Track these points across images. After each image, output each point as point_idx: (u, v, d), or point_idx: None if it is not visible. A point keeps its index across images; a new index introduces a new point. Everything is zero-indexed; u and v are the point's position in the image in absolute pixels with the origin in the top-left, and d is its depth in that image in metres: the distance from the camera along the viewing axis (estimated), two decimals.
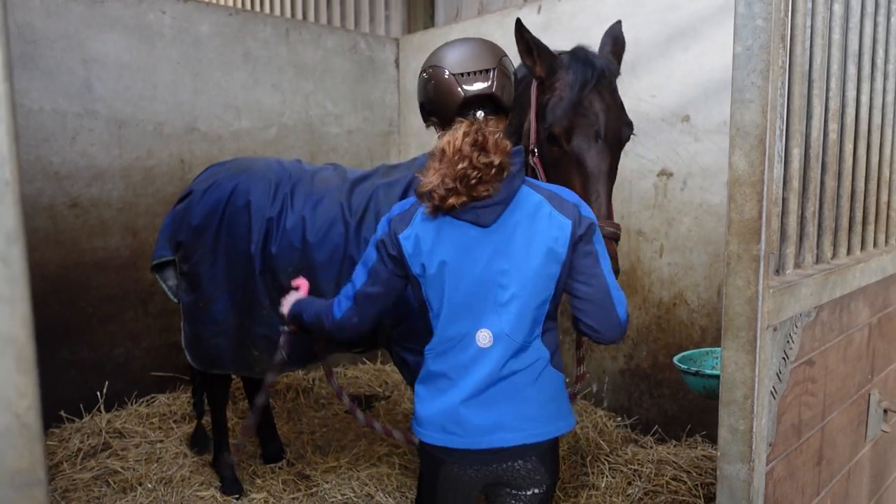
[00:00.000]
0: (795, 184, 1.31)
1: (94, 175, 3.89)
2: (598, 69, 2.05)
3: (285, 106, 4.71)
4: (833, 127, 1.44)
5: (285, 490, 3.31)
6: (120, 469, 3.41)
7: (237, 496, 3.26)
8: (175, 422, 3.94)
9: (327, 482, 3.36)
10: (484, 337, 1.67)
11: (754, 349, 1.15)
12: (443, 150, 1.63)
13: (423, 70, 2.27)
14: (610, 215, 1.97)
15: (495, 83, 2.02)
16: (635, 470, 3.43)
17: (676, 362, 1.98)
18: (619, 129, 2.07)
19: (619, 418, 4.07)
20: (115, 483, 3.31)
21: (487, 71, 2.01)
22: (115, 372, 4.02)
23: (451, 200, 1.58)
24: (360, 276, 1.82)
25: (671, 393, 3.87)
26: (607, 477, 3.38)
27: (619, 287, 1.65)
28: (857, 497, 1.76)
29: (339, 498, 3.23)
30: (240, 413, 4.09)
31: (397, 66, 5.36)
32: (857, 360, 1.65)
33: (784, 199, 1.29)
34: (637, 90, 3.82)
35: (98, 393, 3.92)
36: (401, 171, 2.90)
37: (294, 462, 3.59)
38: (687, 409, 3.80)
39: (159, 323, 4.20)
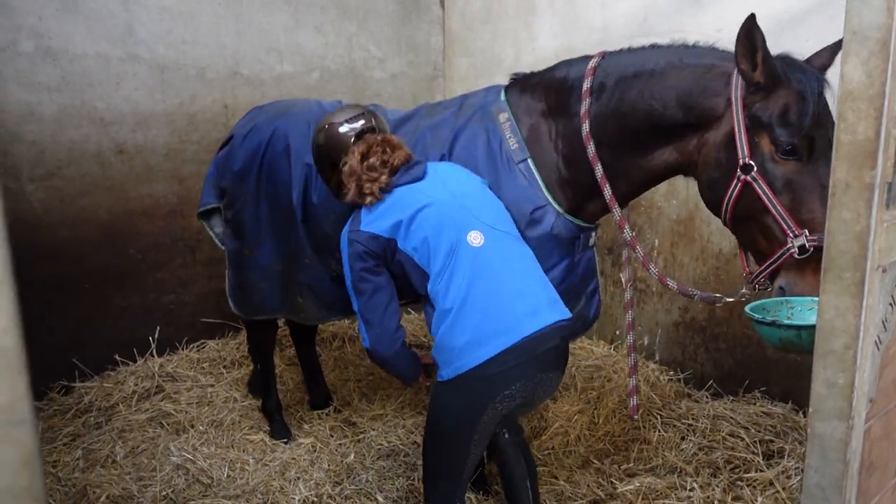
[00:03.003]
0: None
1: (139, 121, 3.86)
2: (822, 78, 2.00)
3: (328, 49, 4.57)
4: None
5: (332, 436, 3.33)
6: (173, 411, 3.48)
7: (285, 440, 3.29)
8: (225, 367, 4.00)
9: (374, 429, 3.36)
10: (475, 237, 2.04)
11: (861, 293, 1.00)
12: (359, 175, 2.15)
13: (317, 138, 2.38)
14: None
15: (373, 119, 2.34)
16: (689, 425, 3.31)
17: (749, 312, 1.83)
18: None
19: (671, 372, 3.93)
20: (168, 425, 3.38)
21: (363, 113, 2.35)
22: (166, 318, 4.09)
23: (384, 180, 2.12)
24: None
25: (728, 347, 3.70)
26: (659, 431, 3.27)
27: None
28: None
29: (386, 445, 3.22)
30: (287, 360, 4.12)
31: (442, 5, 5.12)
32: None
33: None
34: (702, 23, 3.53)
35: (150, 338, 3.99)
36: (445, 110, 2.77)
37: (341, 409, 3.61)
38: (745, 364, 3.63)
39: (208, 270, 4.22)
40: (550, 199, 2.40)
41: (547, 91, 2.51)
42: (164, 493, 2.85)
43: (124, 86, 3.79)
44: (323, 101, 3.09)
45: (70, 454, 3.12)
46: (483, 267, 2.02)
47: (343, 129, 2.26)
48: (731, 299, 2.18)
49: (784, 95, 1.96)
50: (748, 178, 1.98)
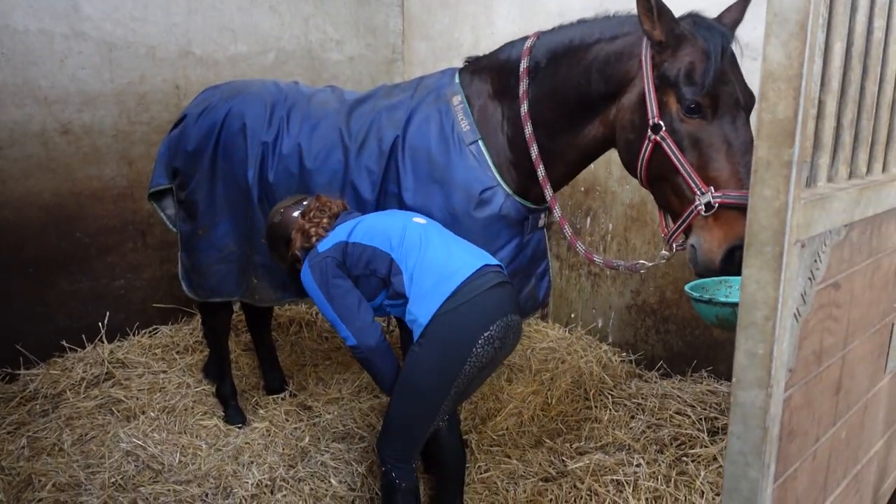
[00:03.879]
0: (835, 84, 1.17)
1: (85, 100, 3.74)
2: (729, 35, 1.99)
3: (284, 29, 4.49)
4: (879, 24, 1.28)
5: (287, 420, 3.31)
6: (123, 398, 3.41)
7: (240, 425, 3.26)
8: (178, 353, 3.93)
9: (329, 413, 3.36)
10: (418, 220, 2.35)
11: (780, 266, 1.04)
12: (302, 224, 2.44)
13: (272, 220, 2.59)
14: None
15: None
16: (639, 404, 3.40)
17: (688, 290, 1.88)
18: (752, 98, 2.01)
19: (623, 353, 4.03)
20: (118, 411, 3.32)
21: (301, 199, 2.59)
22: (116, 303, 3.99)
23: (325, 222, 2.42)
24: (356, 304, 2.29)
25: (677, 329, 3.81)
26: (610, 410, 3.35)
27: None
28: (871, 430, 1.70)
29: (341, 428, 3.23)
30: (242, 345, 4.07)
31: None
32: (883, 287, 1.55)
33: (821, 101, 1.16)
34: None
35: (100, 324, 3.89)
36: (402, 92, 2.77)
37: (296, 393, 3.59)
38: (693, 345, 3.75)
39: (159, 254, 4.13)
40: (500, 181, 2.44)
41: (492, 73, 2.54)
42: (112, 479, 2.80)
43: (69, 64, 3.66)
44: (280, 82, 3.06)
45: (14, 443, 3.04)
46: (431, 235, 2.29)
47: (294, 212, 2.52)
48: (650, 264, 2.23)
49: (689, 53, 1.97)
50: (657, 137, 1.99)
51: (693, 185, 1.93)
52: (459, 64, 2.91)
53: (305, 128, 2.77)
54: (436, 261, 2.18)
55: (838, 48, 1.16)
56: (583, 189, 4.10)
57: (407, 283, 2.19)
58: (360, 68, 4.91)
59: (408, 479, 2.26)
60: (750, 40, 3.30)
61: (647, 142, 2.03)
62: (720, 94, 1.93)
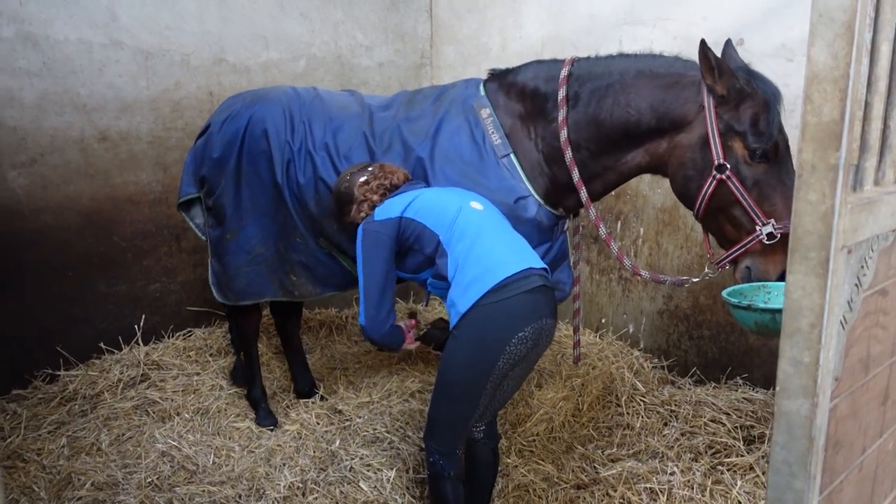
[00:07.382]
0: (882, 85, 1.14)
1: (123, 107, 3.83)
2: (778, 87, 2.24)
3: (314, 36, 4.54)
4: None
5: (318, 423, 3.34)
6: (158, 399, 3.47)
7: (272, 427, 3.30)
8: (211, 355, 3.99)
9: (360, 417, 3.37)
10: (475, 205, 2.35)
11: (826, 272, 1.01)
12: (358, 197, 2.52)
13: (339, 186, 2.62)
14: None
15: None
16: (672, 411, 3.35)
17: (725, 296, 1.87)
18: None
19: (655, 360, 3.97)
20: (154, 412, 3.38)
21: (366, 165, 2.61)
22: (152, 306, 4.07)
23: (376, 199, 2.48)
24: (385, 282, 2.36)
25: (711, 335, 3.74)
26: (643, 417, 3.30)
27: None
28: None
29: (371, 432, 3.24)
30: (273, 348, 4.12)
31: None
32: None
33: (867, 103, 1.13)
34: (687, 13, 3.54)
35: (136, 326, 3.97)
36: (424, 100, 2.84)
37: (326, 397, 3.61)
38: (727, 352, 3.67)
39: (193, 258, 4.20)
40: (532, 191, 2.51)
41: (522, 96, 2.66)
42: (149, 479, 2.86)
43: (107, 72, 3.75)
44: (298, 88, 3.13)
45: (55, 442, 3.11)
46: (486, 224, 2.31)
47: (360, 178, 2.55)
48: (696, 279, 2.43)
49: (752, 105, 2.18)
50: (723, 176, 2.20)
51: (755, 218, 2.16)
52: (488, 67, 2.94)
53: (330, 129, 2.85)
54: (484, 253, 2.22)
55: (885, 49, 1.13)
56: (614, 193, 4.05)
57: (451, 268, 2.25)
58: (389, 73, 4.94)
59: (454, 468, 2.31)
60: (785, 41, 3.25)
61: (710, 180, 2.23)
62: (779, 141, 2.17)
